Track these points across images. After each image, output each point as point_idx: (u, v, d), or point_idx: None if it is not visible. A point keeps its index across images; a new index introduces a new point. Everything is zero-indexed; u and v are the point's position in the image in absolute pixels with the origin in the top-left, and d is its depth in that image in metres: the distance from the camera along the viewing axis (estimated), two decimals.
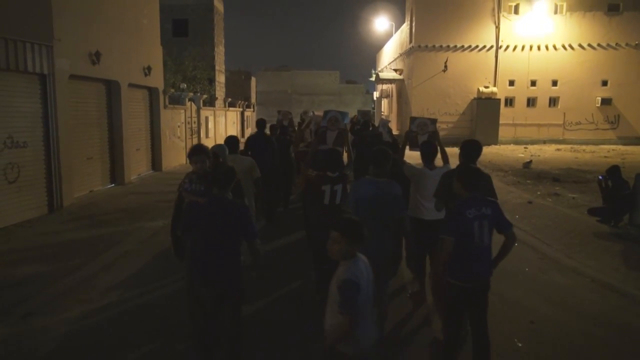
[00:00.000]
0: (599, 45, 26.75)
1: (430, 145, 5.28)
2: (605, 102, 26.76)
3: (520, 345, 4.56)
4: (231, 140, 6.54)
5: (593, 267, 6.64)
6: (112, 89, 12.39)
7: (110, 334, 4.75)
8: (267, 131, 9.65)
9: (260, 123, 9.15)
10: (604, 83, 26.96)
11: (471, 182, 3.71)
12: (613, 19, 26.41)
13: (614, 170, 8.75)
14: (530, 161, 17.68)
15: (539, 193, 12.22)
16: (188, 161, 4.80)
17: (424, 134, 6.61)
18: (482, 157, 18.90)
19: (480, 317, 3.79)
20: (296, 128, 12.21)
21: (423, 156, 5.21)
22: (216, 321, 3.66)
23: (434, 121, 7.32)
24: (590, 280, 6.22)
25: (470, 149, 4.44)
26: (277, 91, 57.03)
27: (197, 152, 4.50)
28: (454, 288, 3.72)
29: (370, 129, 11.80)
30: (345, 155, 6.98)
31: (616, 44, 26.57)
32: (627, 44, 26.48)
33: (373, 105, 43.84)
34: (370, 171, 4.40)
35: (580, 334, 4.80)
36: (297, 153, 8.33)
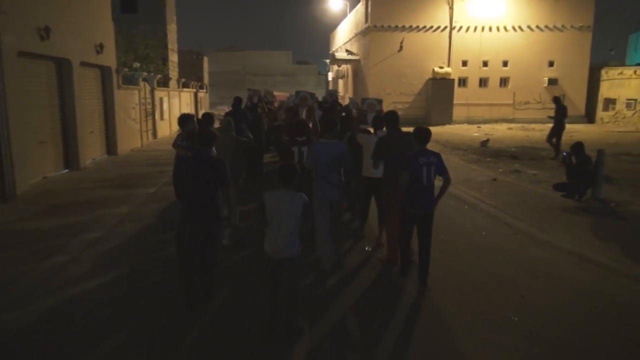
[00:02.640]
0: (546, 26, 27.69)
1: (379, 118, 6.71)
2: (552, 82, 27.87)
3: (515, 319, 4.63)
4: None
5: (567, 240, 6.87)
6: (62, 67, 11.56)
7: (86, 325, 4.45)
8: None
9: (237, 100, 10.11)
10: (551, 64, 28.02)
11: (423, 138, 5.20)
12: (559, 2, 27.36)
13: (577, 147, 9.07)
14: (488, 140, 18.17)
15: (500, 170, 12.56)
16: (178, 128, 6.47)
17: (372, 112, 8.30)
18: (439, 137, 19.75)
19: (425, 233, 5.24)
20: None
21: (374, 126, 6.80)
22: (195, 251, 4.60)
23: (380, 101, 9.74)
24: (567, 253, 6.43)
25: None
26: (228, 72, 55.58)
27: (185, 118, 6.18)
28: (408, 214, 5.23)
29: (338, 107, 12.68)
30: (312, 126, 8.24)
31: (562, 25, 27.60)
32: (572, 26, 27.56)
33: (326, 86, 43.66)
34: (324, 136, 6.11)
35: (569, 305, 4.95)
36: (273, 127, 9.85)
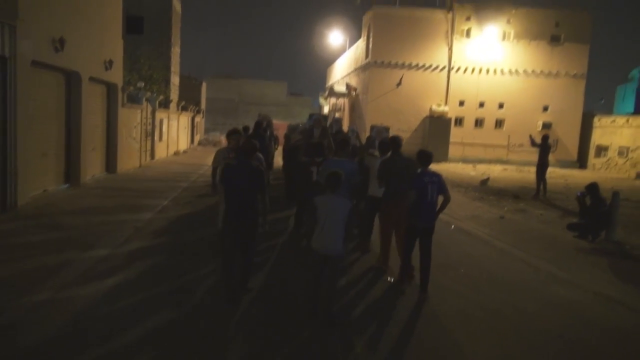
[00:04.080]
0: (541, 72, 28.39)
1: (384, 143, 7.21)
2: (546, 126, 28.32)
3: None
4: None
5: (590, 281, 6.75)
6: (72, 80, 11.37)
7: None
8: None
9: (258, 123, 10.98)
10: (545, 108, 28.59)
11: (425, 160, 5.95)
12: (555, 49, 28.17)
13: (593, 188, 9.07)
14: (488, 178, 18.25)
15: (506, 209, 12.51)
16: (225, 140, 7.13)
17: (380, 138, 8.55)
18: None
19: (426, 244, 5.88)
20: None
21: (380, 151, 7.26)
22: (237, 243, 5.22)
23: (387, 129, 11.18)
24: (593, 294, 6.28)
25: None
26: (224, 99, 55.85)
27: (233, 132, 6.76)
28: (413, 226, 5.89)
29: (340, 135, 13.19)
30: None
31: (557, 72, 28.33)
32: (566, 73, 28.30)
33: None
34: (337, 154, 6.83)
35: (607, 348, 4.77)
36: (291, 146, 10.63)
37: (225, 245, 5.27)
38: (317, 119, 10.90)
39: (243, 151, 5.45)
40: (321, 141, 8.26)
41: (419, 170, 5.97)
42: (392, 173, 6.46)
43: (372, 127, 10.42)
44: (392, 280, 6.36)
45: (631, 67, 37.71)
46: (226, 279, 5.29)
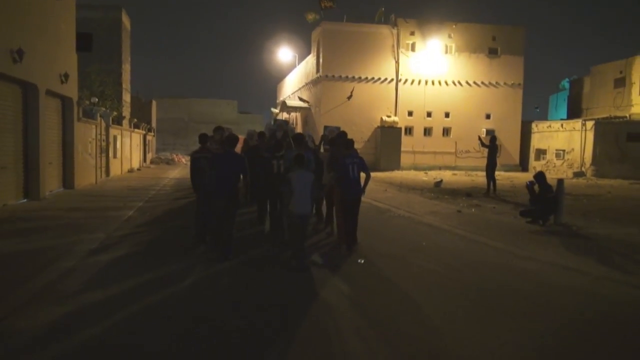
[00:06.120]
0: (482, 83, 30.16)
1: (332, 140, 8.44)
2: (490, 133, 29.95)
3: (525, 312, 4.94)
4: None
5: (546, 255, 7.40)
6: (29, 93, 11.18)
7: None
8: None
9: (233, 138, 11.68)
10: (488, 116, 30.31)
11: (348, 145, 7.64)
12: (493, 61, 30.05)
13: (540, 176, 9.88)
14: (441, 180, 19.14)
15: (461, 205, 13.25)
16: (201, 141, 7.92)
17: (332, 136, 9.71)
18: (392, 180, 21.68)
19: (354, 212, 7.43)
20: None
21: (331, 146, 8.46)
22: (218, 218, 6.79)
23: (338, 128, 11.77)
24: (551, 264, 6.92)
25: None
26: (173, 119, 55.09)
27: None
28: (343, 200, 7.36)
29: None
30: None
31: (496, 82, 30.18)
32: (505, 83, 30.21)
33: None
34: (295, 147, 7.94)
35: (573, 303, 5.34)
36: (250, 147, 10.95)
37: (204, 212, 7.11)
38: (280, 123, 12.55)
39: (228, 142, 7.01)
40: (281, 141, 9.33)
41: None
42: (336, 161, 7.66)
43: (326, 127, 11.69)
44: (362, 261, 6.83)
45: (561, 78, 40.74)
46: (219, 243, 6.81)
